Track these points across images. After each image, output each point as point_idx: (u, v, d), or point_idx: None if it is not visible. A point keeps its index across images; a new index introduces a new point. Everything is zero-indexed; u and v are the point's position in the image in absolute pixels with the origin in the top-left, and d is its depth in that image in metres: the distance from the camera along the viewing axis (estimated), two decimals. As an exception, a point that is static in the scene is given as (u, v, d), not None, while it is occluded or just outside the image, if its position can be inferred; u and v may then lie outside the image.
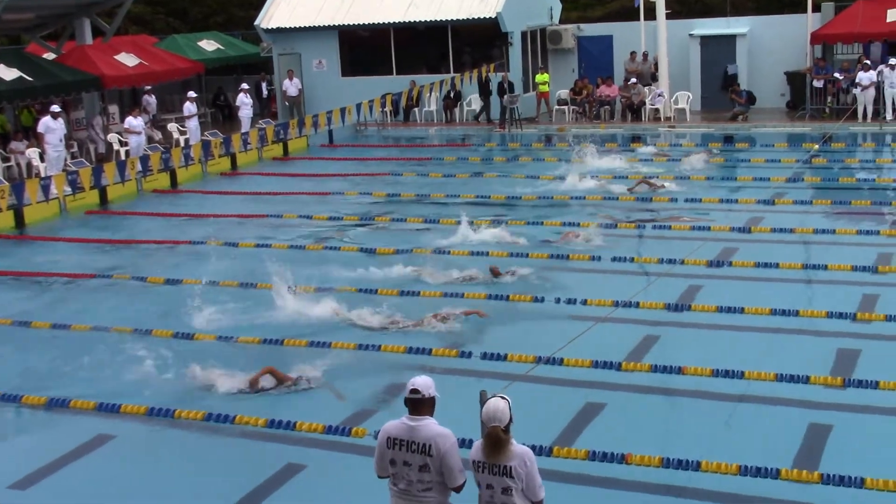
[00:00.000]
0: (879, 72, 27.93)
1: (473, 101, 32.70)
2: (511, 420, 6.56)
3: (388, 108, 32.35)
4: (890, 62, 28.01)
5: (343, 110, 28.65)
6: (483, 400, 6.81)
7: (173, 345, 13.00)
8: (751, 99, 30.43)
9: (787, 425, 10.01)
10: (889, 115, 27.75)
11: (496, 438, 6.48)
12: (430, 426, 6.77)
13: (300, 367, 11.81)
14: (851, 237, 17.02)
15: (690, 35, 32.58)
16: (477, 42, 33.59)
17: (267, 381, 11.51)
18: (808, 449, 9.44)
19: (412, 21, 32.94)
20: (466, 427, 7.92)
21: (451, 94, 32.41)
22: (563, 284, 14.95)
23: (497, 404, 6.56)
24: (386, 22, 33.15)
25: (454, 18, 32.44)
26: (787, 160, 23.85)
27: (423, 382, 6.82)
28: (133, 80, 31.49)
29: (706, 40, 32.45)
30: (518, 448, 6.55)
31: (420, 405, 6.79)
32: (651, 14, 31.35)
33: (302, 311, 13.89)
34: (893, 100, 27.79)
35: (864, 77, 28.11)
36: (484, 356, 12.05)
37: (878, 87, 27.90)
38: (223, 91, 37.09)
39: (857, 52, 31.08)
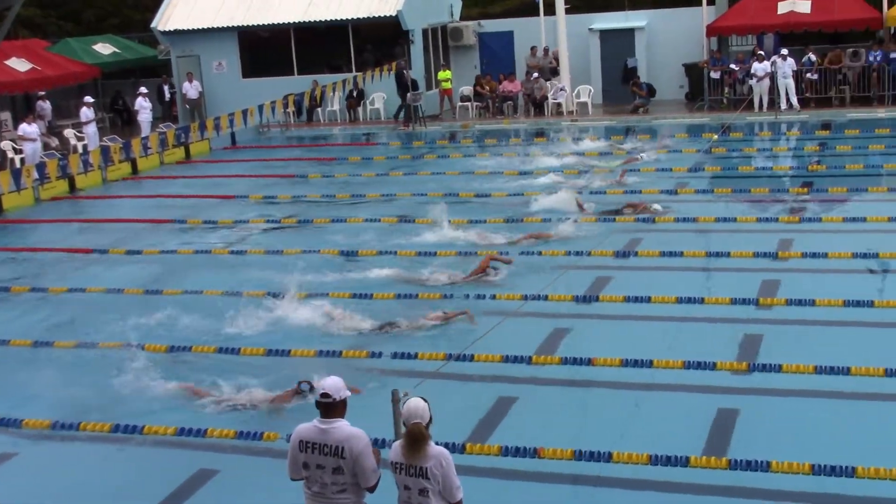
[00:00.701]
0: (773, 62, 28.57)
1: (377, 100, 32.60)
2: (431, 420, 6.54)
3: (290, 109, 32.05)
4: (782, 53, 28.69)
5: (245, 112, 28.33)
6: (395, 399, 6.76)
7: (78, 355, 12.68)
8: (651, 91, 30.90)
9: (697, 412, 10.14)
10: (784, 105, 28.40)
11: (418, 435, 6.45)
12: (342, 428, 6.71)
13: (215, 376, 11.59)
14: (752, 224, 17.38)
15: (590, 29, 32.95)
16: (378, 41, 33.51)
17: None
18: (717, 434, 9.59)
19: (312, 21, 32.70)
20: (379, 427, 7.87)
21: (354, 94, 32.27)
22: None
23: (417, 403, 6.56)
24: (286, 22, 32.86)
25: (354, 17, 32.30)
26: (687, 150, 24.26)
27: (332, 385, 6.75)
28: (25, 86, 30.71)
29: (605, 34, 32.86)
30: (434, 449, 6.52)
31: (331, 408, 6.73)
32: (551, 9, 31.62)
33: (218, 317, 13.63)
34: (787, 90, 28.45)
35: (759, 68, 28.72)
36: (394, 356, 11.99)
37: (773, 77, 28.53)
38: (121, 95, 36.33)
39: (751, 43, 31.81)
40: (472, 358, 11.48)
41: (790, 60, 28.48)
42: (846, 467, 8.53)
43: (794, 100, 28.42)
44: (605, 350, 11.61)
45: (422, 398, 6.62)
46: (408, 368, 11.54)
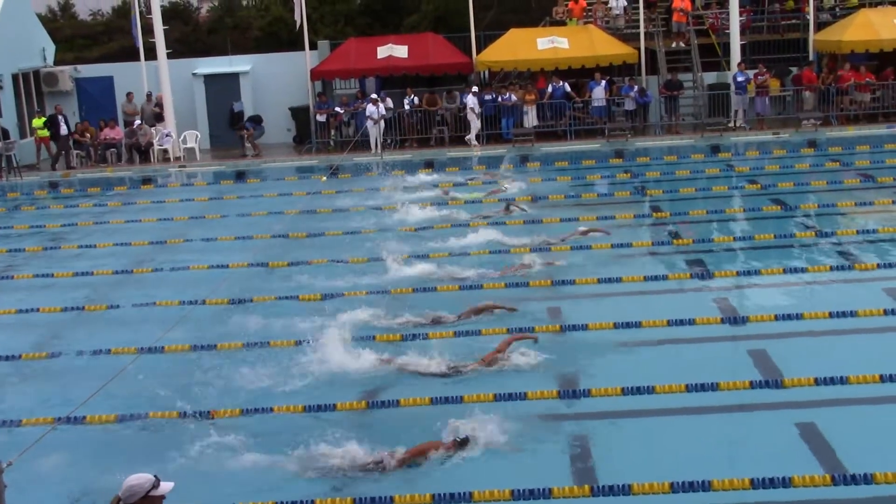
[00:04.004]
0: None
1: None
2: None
3: None
4: (371, 97, 29.78)
5: None
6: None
7: None
8: (257, 120, 30.98)
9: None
10: (377, 149, 29.44)
11: None
12: None
13: None
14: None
15: (194, 74, 32.47)
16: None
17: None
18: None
19: None
20: None
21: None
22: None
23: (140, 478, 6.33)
24: None
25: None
26: (298, 193, 24.38)
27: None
28: None
29: (210, 79, 32.52)
30: None
31: None
32: (152, 54, 30.81)
33: None
34: (379, 131, 29.51)
35: (373, 110, 29.55)
36: None
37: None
38: None
39: (355, 87, 32.67)
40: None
41: (388, 102, 29.70)
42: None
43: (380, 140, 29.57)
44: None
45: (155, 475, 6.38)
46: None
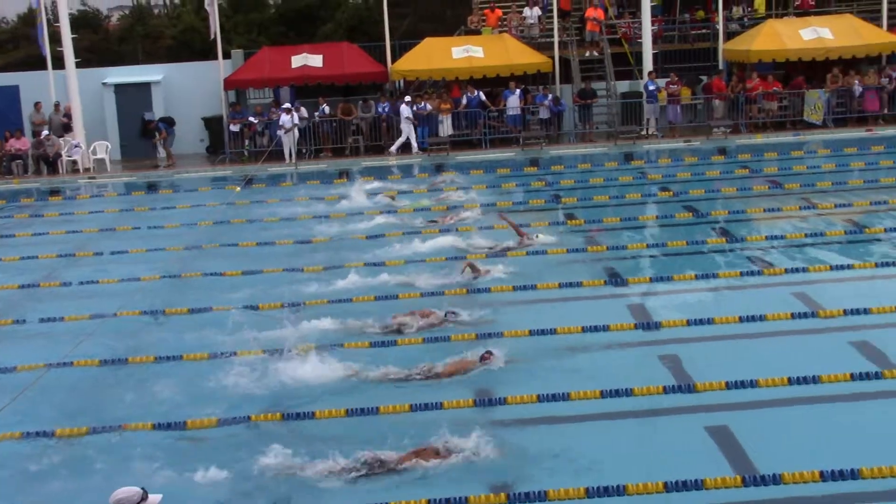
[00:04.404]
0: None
1: None
2: None
3: None
4: (284, 107, 29.60)
5: None
6: None
7: None
8: (170, 122, 30.68)
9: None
10: (291, 158, 29.26)
11: None
12: None
13: None
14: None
15: (104, 83, 31.93)
16: None
17: None
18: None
19: None
20: None
21: None
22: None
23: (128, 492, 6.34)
24: None
25: None
26: (211, 204, 24.08)
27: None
28: None
29: (121, 88, 32.03)
30: None
31: None
32: (60, 62, 30.20)
33: None
34: (293, 141, 29.36)
35: (286, 120, 29.34)
36: None
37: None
38: None
39: (269, 96, 32.41)
40: None
41: (303, 111, 29.58)
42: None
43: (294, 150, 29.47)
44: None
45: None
46: None
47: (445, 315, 13.89)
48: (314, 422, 11.01)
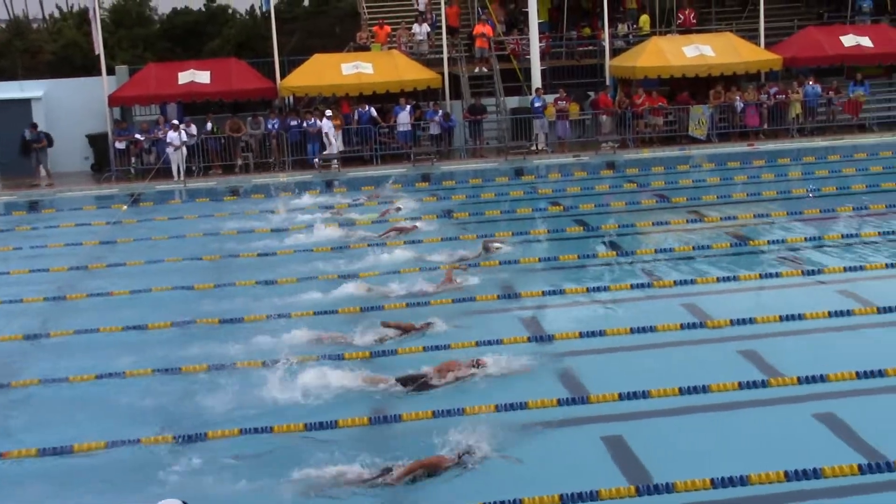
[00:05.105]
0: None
1: None
2: None
3: None
4: (172, 123, 29.29)
5: None
6: None
7: None
8: (49, 140, 30.04)
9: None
10: (179, 176, 28.83)
11: None
12: None
13: None
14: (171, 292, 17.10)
15: (-19, 100, 30.97)
16: None
17: None
18: None
19: None
20: None
21: None
22: None
23: None
24: None
25: None
26: (97, 223, 23.50)
27: None
28: None
29: (-1, 105, 31.08)
30: None
31: None
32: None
33: None
34: (182, 158, 28.97)
35: (174, 137, 28.84)
36: None
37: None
38: None
39: (156, 113, 31.82)
40: None
41: (192, 128, 29.15)
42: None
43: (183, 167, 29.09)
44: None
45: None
46: None
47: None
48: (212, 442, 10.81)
